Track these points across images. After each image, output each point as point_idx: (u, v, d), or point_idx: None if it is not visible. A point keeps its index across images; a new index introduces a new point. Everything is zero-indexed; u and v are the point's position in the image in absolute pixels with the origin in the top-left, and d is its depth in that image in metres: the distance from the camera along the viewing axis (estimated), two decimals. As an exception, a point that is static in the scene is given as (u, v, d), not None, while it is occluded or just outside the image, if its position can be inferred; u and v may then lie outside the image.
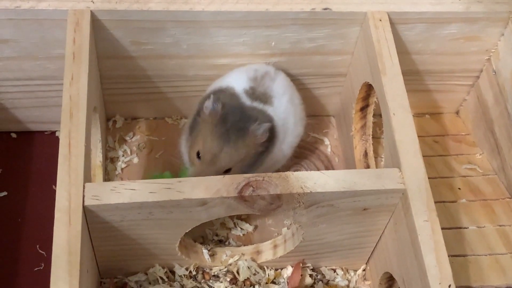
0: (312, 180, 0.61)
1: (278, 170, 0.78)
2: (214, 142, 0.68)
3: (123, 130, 0.85)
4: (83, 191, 0.57)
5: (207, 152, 0.68)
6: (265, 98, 0.73)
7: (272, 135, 0.71)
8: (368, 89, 0.77)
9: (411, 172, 0.62)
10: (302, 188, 0.60)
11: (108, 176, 0.80)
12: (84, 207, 0.57)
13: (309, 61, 0.80)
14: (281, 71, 0.78)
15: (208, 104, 0.68)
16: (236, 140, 0.68)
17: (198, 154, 0.69)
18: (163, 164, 0.83)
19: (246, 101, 0.72)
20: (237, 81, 0.74)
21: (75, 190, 0.57)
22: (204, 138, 0.69)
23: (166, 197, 0.58)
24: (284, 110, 0.74)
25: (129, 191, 0.58)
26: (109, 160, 0.82)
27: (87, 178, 0.60)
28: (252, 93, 0.72)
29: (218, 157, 0.68)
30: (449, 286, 0.56)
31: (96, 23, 0.70)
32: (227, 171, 0.68)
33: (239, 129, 0.68)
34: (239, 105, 0.71)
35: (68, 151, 0.59)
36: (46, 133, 0.84)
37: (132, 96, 0.82)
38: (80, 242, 0.55)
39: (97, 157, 0.78)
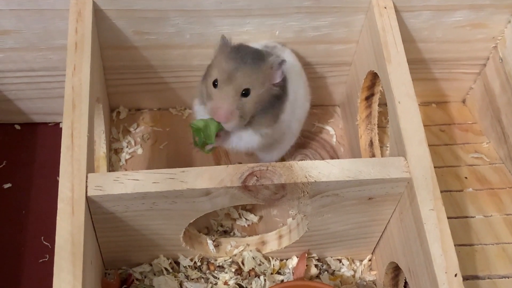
0: (316, 169, 0.60)
1: (284, 159, 0.77)
2: (229, 62, 0.65)
3: (127, 121, 0.85)
4: (86, 181, 0.57)
5: (223, 72, 0.65)
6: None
7: (283, 94, 0.70)
8: (373, 78, 0.76)
9: (416, 160, 0.61)
10: (306, 177, 0.60)
11: (112, 167, 0.80)
12: (87, 197, 0.57)
13: (313, 50, 0.79)
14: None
15: (219, 42, 0.67)
16: (252, 63, 0.65)
17: (214, 82, 0.66)
18: (167, 155, 0.83)
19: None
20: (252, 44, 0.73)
21: (78, 181, 0.57)
22: (218, 63, 0.66)
23: (169, 187, 0.58)
24: (295, 78, 0.73)
25: (132, 182, 0.58)
26: (113, 151, 0.82)
27: (90, 168, 0.60)
28: (266, 53, 0.70)
29: (235, 75, 0.64)
30: (455, 275, 0.56)
31: (98, 13, 0.69)
32: (245, 95, 0.65)
33: (254, 55, 0.66)
34: (254, 48, 0.69)
35: (71, 141, 0.59)
36: (49, 124, 0.84)
37: (135, 86, 0.82)
38: (83, 233, 0.54)
39: (101, 148, 0.77)
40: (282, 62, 0.67)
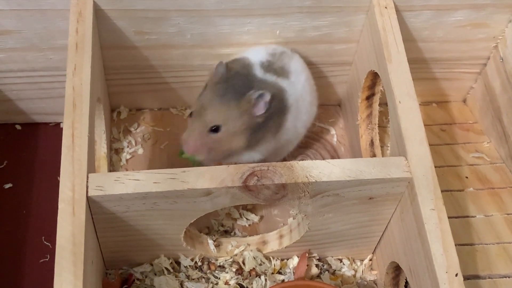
0: (317, 169, 0.60)
1: (285, 159, 0.77)
2: (206, 95, 0.67)
3: (127, 121, 0.85)
4: (87, 181, 0.57)
5: (198, 104, 0.67)
6: (281, 71, 0.72)
7: (284, 107, 0.70)
8: (374, 78, 0.76)
9: (417, 160, 0.61)
10: (307, 177, 0.60)
11: (113, 167, 0.80)
12: (88, 197, 0.57)
13: (314, 50, 0.79)
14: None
15: (215, 69, 0.68)
16: (230, 99, 0.66)
17: (191, 112, 0.68)
18: (168, 155, 0.83)
19: (259, 72, 0.70)
20: (255, 54, 0.73)
21: (78, 181, 0.57)
22: (200, 95, 0.68)
23: (170, 187, 0.58)
24: (302, 87, 0.74)
25: (133, 182, 0.58)
26: (114, 151, 0.82)
27: (91, 168, 0.60)
28: (268, 66, 0.71)
29: (205, 111, 0.66)
30: (456, 274, 0.56)
31: (99, 12, 0.69)
32: (215, 131, 0.66)
33: (236, 91, 0.67)
34: (249, 74, 0.70)
35: (72, 141, 0.59)
36: (50, 124, 0.84)
37: (136, 86, 0.82)
38: (84, 233, 0.54)
39: (102, 148, 0.77)
40: (261, 95, 0.66)
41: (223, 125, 0.66)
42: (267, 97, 0.67)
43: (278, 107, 0.69)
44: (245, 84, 0.68)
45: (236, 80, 0.68)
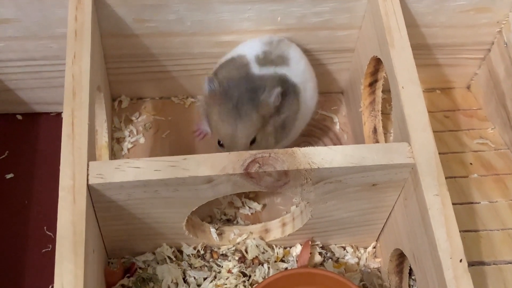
0: (319, 155, 0.60)
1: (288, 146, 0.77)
2: (225, 123, 0.66)
3: (129, 110, 0.85)
4: (87, 169, 0.57)
5: (224, 137, 0.66)
6: (280, 59, 0.71)
7: (294, 91, 0.70)
8: (377, 64, 0.75)
9: (420, 146, 0.61)
10: (309, 164, 0.59)
11: (114, 157, 0.80)
12: (88, 185, 0.56)
13: (315, 37, 0.78)
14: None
15: (205, 86, 0.67)
16: (249, 114, 0.66)
17: (219, 142, 0.67)
18: (169, 144, 0.82)
19: (255, 69, 0.70)
20: (250, 48, 0.73)
21: (79, 169, 0.56)
22: (215, 124, 0.67)
23: (171, 174, 0.58)
24: (303, 72, 0.73)
25: (134, 169, 0.58)
26: (115, 141, 0.82)
27: (91, 156, 0.59)
28: (264, 58, 0.71)
29: (236, 136, 0.66)
30: (460, 260, 0.55)
31: (98, 0, 0.69)
32: (252, 143, 0.66)
33: (248, 102, 0.66)
34: (245, 75, 0.69)
35: (72, 130, 0.59)
36: (51, 114, 0.84)
37: (137, 75, 0.81)
38: (85, 221, 0.54)
39: (103, 138, 0.77)
40: (277, 94, 0.66)
41: (257, 135, 0.66)
42: (278, 90, 0.67)
43: (287, 92, 0.69)
44: (249, 89, 0.67)
45: (237, 90, 0.67)
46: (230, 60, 0.72)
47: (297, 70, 0.73)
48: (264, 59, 0.71)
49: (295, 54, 0.74)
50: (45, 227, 0.74)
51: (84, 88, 0.61)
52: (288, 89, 0.70)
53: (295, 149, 0.60)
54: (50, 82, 0.79)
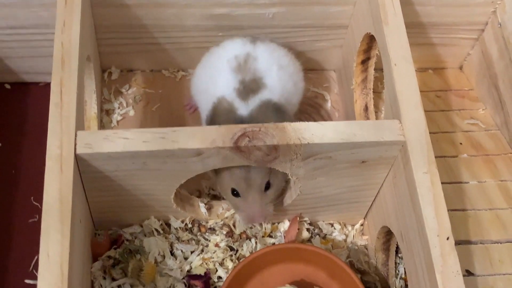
0: (309, 131, 0.59)
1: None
2: (237, 168, 0.64)
3: (118, 82, 0.84)
4: (75, 139, 0.56)
5: (238, 182, 0.64)
6: (256, 84, 0.68)
7: (282, 110, 0.68)
8: (370, 41, 0.75)
9: (411, 124, 0.61)
10: (299, 139, 0.59)
11: (103, 129, 0.79)
12: (76, 155, 0.56)
13: (309, 12, 0.78)
14: (259, 39, 0.74)
15: None
16: None
17: (234, 191, 0.65)
18: (159, 117, 0.81)
19: (242, 110, 0.66)
20: (225, 84, 0.68)
21: (66, 138, 0.56)
22: (226, 173, 0.65)
23: (160, 146, 0.57)
24: (279, 81, 0.70)
25: (123, 140, 0.57)
26: (104, 113, 0.81)
27: (80, 126, 0.59)
28: (243, 89, 0.67)
29: (250, 179, 0.64)
30: (447, 238, 0.55)
31: (89, -32, 0.68)
32: (267, 188, 0.65)
33: None
34: (235, 119, 0.66)
35: (60, 99, 0.58)
36: (40, 84, 0.83)
37: (128, 47, 0.80)
38: (72, 191, 0.54)
39: (92, 109, 0.76)
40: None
41: (270, 179, 0.65)
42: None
43: (278, 117, 0.66)
44: None
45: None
46: (214, 110, 0.68)
47: (273, 82, 0.69)
48: (244, 89, 0.67)
49: (264, 66, 0.70)
50: (32, 198, 0.74)
51: (73, 57, 0.60)
52: (277, 114, 0.67)
53: (286, 124, 0.60)
54: (40, 51, 0.78)
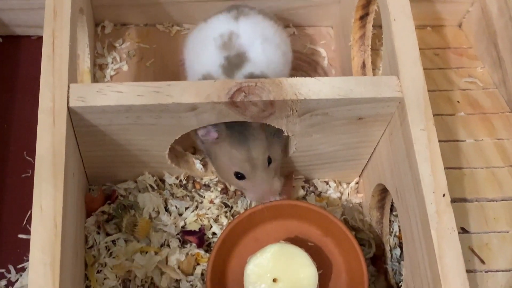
0: (306, 86, 0.59)
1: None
2: (237, 151, 0.63)
3: (112, 36, 0.82)
4: (68, 92, 0.55)
5: (241, 164, 0.63)
6: (240, 59, 0.67)
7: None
8: (369, -4, 0.73)
9: (409, 80, 0.60)
10: (296, 94, 0.58)
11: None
12: (69, 108, 0.55)
13: (307, -34, 0.76)
14: (243, 13, 0.72)
15: (202, 135, 0.63)
16: (254, 134, 0.63)
17: (237, 174, 0.64)
18: (153, 72, 0.80)
19: None
20: (211, 62, 0.67)
21: (59, 91, 0.55)
22: (227, 158, 0.64)
23: (154, 100, 0.56)
24: (263, 53, 0.68)
25: (116, 94, 0.56)
26: (98, 67, 0.80)
27: (72, 79, 0.58)
28: (228, 65, 0.66)
29: (252, 158, 0.63)
30: (443, 195, 0.55)
31: None
32: (269, 163, 0.64)
33: (247, 126, 0.63)
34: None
35: (52, 51, 0.57)
36: (32, 37, 0.82)
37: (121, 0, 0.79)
38: (64, 144, 0.53)
39: (85, 63, 0.75)
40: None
41: (270, 154, 0.64)
42: None
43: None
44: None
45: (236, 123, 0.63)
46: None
47: (258, 55, 0.67)
48: (229, 65, 0.66)
49: (246, 41, 0.68)
50: (24, 152, 0.73)
51: (65, 8, 0.59)
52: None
53: (282, 79, 0.59)
54: (32, 4, 0.76)
